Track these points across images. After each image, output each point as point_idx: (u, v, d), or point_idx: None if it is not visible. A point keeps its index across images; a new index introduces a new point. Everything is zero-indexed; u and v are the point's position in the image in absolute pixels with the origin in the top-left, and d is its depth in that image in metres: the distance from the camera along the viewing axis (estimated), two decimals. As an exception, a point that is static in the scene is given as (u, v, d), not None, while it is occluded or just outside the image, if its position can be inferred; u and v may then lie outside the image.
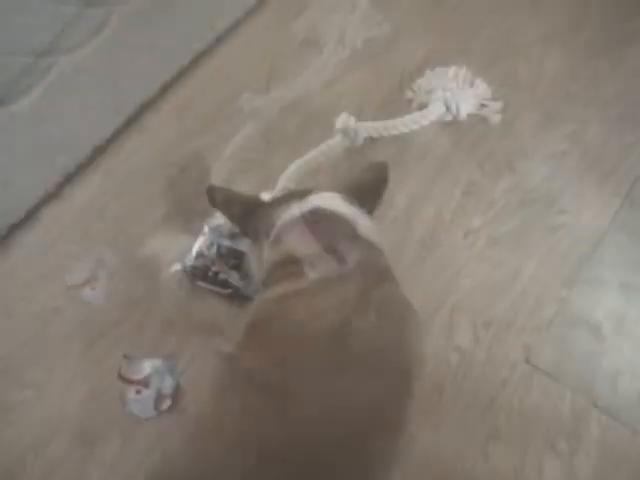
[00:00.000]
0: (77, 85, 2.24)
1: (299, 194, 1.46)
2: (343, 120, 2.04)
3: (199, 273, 1.84)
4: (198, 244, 1.86)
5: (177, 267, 1.88)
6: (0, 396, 1.73)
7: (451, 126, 2.16)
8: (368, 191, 1.52)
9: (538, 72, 2.28)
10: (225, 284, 1.83)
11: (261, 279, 1.45)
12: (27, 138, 2.13)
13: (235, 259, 1.83)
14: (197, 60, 2.31)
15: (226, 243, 1.84)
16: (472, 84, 2.19)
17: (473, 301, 1.86)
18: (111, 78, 2.25)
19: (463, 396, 1.69)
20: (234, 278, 1.82)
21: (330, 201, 1.41)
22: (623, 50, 2.32)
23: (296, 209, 1.40)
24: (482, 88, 2.19)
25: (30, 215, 2.01)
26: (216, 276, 1.83)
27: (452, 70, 2.20)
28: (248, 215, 1.51)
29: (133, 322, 1.83)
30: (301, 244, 1.34)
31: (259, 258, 1.49)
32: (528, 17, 2.42)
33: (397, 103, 2.20)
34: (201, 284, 1.85)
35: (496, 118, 2.16)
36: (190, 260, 1.85)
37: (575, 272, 1.91)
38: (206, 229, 1.86)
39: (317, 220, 1.37)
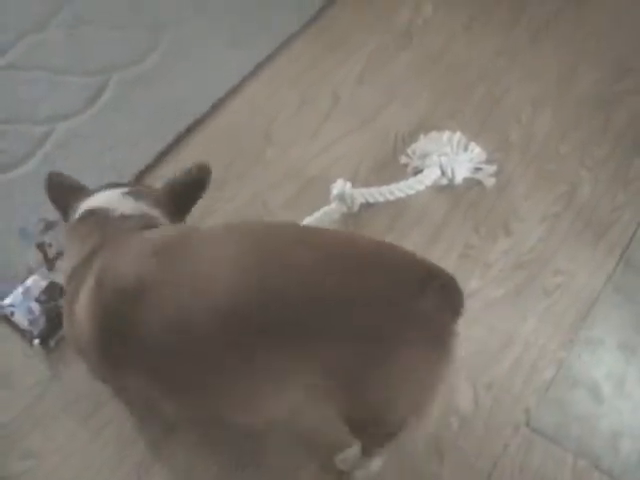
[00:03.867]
0: (74, 152, 2.27)
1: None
2: (339, 186, 2.07)
3: None
4: None
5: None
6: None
7: (446, 190, 2.19)
8: (183, 193, 1.61)
9: (529, 134, 2.33)
10: None
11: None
12: (25, 207, 2.13)
13: None
14: (194, 126, 2.35)
15: None
16: (466, 148, 2.24)
17: (472, 364, 1.86)
18: (108, 145, 2.29)
19: (464, 461, 1.68)
20: None
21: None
22: (611, 111, 2.38)
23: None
24: (476, 152, 2.23)
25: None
26: None
27: (446, 134, 2.25)
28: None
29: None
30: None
31: None
32: (518, 80, 2.48)
33: (392, 168, 2.24)
34: None
35: (491, 181, 2.20)
36: None
37: (573, 333, 1.92)
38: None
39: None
